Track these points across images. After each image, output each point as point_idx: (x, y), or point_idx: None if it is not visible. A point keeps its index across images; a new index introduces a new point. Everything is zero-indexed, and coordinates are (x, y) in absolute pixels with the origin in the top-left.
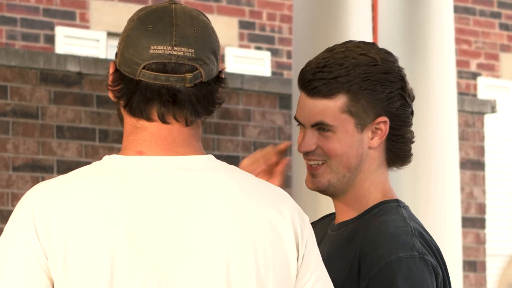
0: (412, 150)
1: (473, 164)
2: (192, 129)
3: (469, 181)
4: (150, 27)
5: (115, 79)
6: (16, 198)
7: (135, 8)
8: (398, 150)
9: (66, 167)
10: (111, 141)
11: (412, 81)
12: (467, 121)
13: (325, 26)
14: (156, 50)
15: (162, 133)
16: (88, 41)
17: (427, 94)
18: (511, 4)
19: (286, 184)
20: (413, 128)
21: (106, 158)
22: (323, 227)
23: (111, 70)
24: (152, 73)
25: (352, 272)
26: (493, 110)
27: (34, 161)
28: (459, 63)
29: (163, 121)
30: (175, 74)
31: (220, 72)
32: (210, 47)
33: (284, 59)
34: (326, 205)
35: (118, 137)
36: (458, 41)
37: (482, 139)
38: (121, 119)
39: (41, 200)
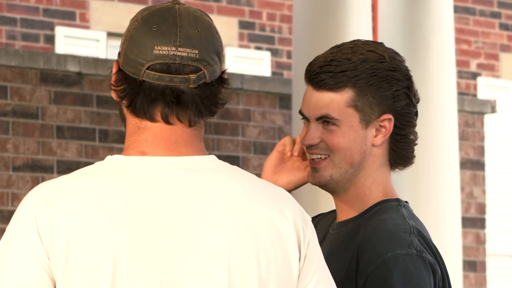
0: (415, 152)
1: (473, 164)
2: (195, 130)
3: (469, 181)
4: (154, 28)
5: (118, 79)
6: (16, 198)
7: (135, 8)
8: (401, 150)
9: (66, 167)
10: (111, 141)
11: None
12: (467, 121)
13: (325, 26)
14: (160, 51)
15: (164, 134)
16: (88, 41)
17: (427, 94)
18: (511, 4)
19: None
20: None
21: (109, 158)
22: (325, 226)
23: (114, 70)
24: (156, 73)
25: (350, 270)
26: (493, 110)
27: (34, 161)
28: (459, 63)
29: (167, 122)
30: (179, 75)
31: (222, 72)
32: (214, 48)
33: (284, 59)
34: (326, 204)
35: (118, 137)
36: (458, 41)
37: (482, 139)
38: (123, 119)
39: (43, 200)
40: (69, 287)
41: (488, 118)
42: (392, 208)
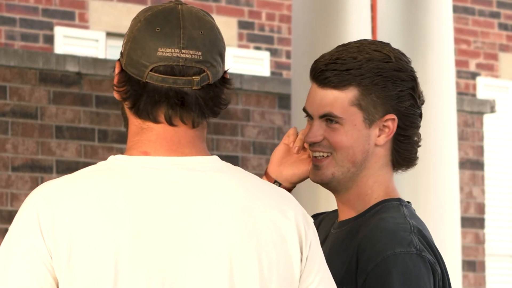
0: (418, 154)
1: (472, 164)
2: (198, 131)
3: (468, 181)
4: (158, 29)
5: (120, 79)
6: (15, 198)
7: (134, 8)
8: (404, 151)
9: (65, 167)
10: (110, 141)
11: None
12: (466, 121)
13: (324, 26)
14: (164, 53)
15: (167, 134)
16: (87, 41)
17: (426, 94)
18: (510, 4)
19: None
20: None
21: (111, 158)
22: (327, 225)
23: (116, 70)
24: (159, 75)
25: (350, 268)
26: (492, 110)
27: (34, 161)
28: (458, 63)
29: (170, 123)
30: (182, 77)
31: (224, 72)
32: (217, 49)
33: (283, 59)
34: (326, 202)
35: (117, 137)
36: (457, 41)
37: (481, 139)
38: (125, 119)
39: (46, 199)
40: (71, 287)
41: (487, 118)
42: (393, 208)
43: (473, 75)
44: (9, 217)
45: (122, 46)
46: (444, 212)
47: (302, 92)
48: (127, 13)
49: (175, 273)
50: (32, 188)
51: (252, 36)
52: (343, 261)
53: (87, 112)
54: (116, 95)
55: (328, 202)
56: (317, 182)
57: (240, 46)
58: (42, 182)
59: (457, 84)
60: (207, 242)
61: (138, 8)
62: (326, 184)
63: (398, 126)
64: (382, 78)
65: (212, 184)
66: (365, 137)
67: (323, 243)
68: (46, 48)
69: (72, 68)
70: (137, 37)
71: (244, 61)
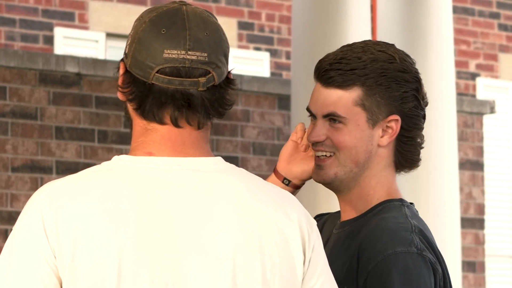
0: (420, 155)
1: (472, 165)
2: (202, 132)
3: (468, 181)
4: (163, 31)
5: (125, 80)
6: (15, 199)
7: (134, 9)
8: (407, 153)
9: (65, 167)
10: (110, 142)
11: None
12: (466, 121)
13: (324, 27)
14: (170, 54)
15: (172, 135)
16: (87, 42)
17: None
18: (510, 5)
19: None
20: None
21: (116, 158)
22: (330, 227)
23: (121, 71)
24: (165, 77)
25: (351, 268)
26: (492, 110)
27: (33, 162)
28: (458, 64)
29: (176, 125)
30: (188, 78)
31: (228, 73)
32: (222, 50)
33: (283, 60)
34: (326, 202)
35: (117, 138)
36: (457, 41)
37: (481, 139)
38: (128, 119)
39: (50, 199)
40: (75, 287)
41: (487, 119)
42: (395, 208)
43: (473, 76)
44: (9, 217)
45: (126, 46)
46: (444, 213)
47: (302, 92)
48: (127, 13)
49: (178, 274)
50: (32, 188)
51: (252, 36)
52: (344, 261)
53: (86, 113)
54: (120, 96)
55: (328, 202)
56: (319, 182)
57: (240, 46)
58: (42, 183)
59: (457, 85)
60: (211, 242)
61: (138, 9)
62: (328, 184)
63: (402, 127)
64: (386, 79)
65: (215, 185)
66: (368, 138)
67: (325, 243)
68: (46, 49)
69: (72, 68)
70: (142, 38)
71: (244, 61)
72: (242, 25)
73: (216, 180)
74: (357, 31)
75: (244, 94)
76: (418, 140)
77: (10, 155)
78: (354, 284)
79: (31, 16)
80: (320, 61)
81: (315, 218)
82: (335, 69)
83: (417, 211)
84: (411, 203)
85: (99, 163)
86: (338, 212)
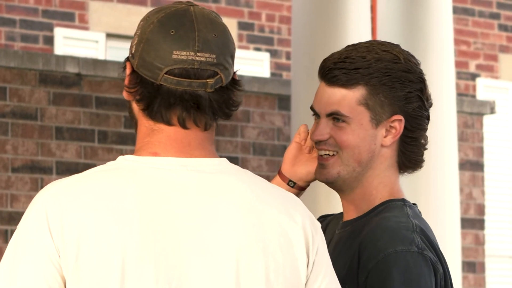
0: (424, 156)
1: (472, 165)
2: (208, 133)
3: (468, 182)
4: (172, 32)
5: (132, 81)
6: (15, 199)
7: (134, 9)
8: (410, 153)
9: (65, 168)
10: (110, 142)
11: None
12: (466, 122)
13: (324, 27)
14: (179, 56)
15: (178, 136)
16: (87, 42)
17: None
18: (510, 5)
19: None
20: None
21: (121, 158)
22: (333, 227)
23: (127, 71)
24: (174, 78)
25: (352, 267)
26: (492, 111)
27: (33, 162)
28: (458, 64)
29: (183, 126)
30: (197, 80)
31: (234, 73)
32: (229, 51)
33: (283, 60)
34: (326, 203)
35: (117, 138)
36: (457, 42)
37: (481, 140)
38: (133, 118)
39: (55, 198)
40: (79, 286)
41: (487, 119)
42: (397, 207)
43: (473, 76)
44: (9, 218)
45: (132, 46)
46: (444, 213)
47: (302, 93)
48: (127, 14)
49: (182, 274)
50: (32, 189)
51: (252, 37)
52: (346, 260)
53: (87, 113)
54: (126, 96)
55: (328, 202)
56: (322, 181)
57: (240, 47)
58: (42, 183)
59: (457, 85)
60: (214, 243)
61: (138, 9)
62: (331, 183)
63: (405, 128)
64: (390, 79)
65: (220, 186)
66: (371, 137)
67: (328, 244)
68: (46, 49)
69: (72, 69)
70: (150, 39)
71: (244, 62)
72: (242, 26)
73: (221, 181)
74: (357, 31)
75: (244, 95)
76: (422, 141)
77: (10, 156)
78: (355, 283)
79: (31, 17)
80: (325, 60)
81: (318, 219)
82: (339, 68)
83: (420, 212)
84: (414, 204)
85: (99, 164)
86: (341, 213)
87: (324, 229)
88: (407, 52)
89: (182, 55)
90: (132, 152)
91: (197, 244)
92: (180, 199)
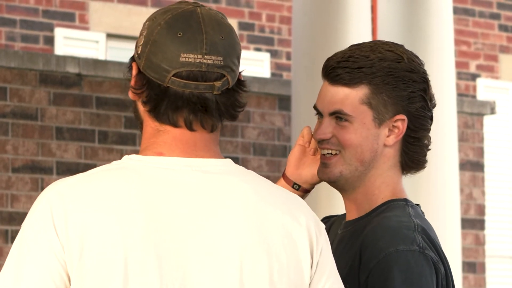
0: (427, 157)
1: (472, 165)
2: (214, 134)
3: (469, 182)
4: (180, 34)
5: (138, 82)
6: (15, 199)
7: (134, 9)
8: (413, 153)
9: (65, 168)
10: (111, 143)
11: None
12: (466, 122)
13: (325, 28)
14: (187, 58)
15: (184, 137)
16: (87, 43)
17: None
18: (511, 6)
19: None
20: None
21: (126, 158)
22: (337, 228)
23: (133, 72)
24: (182, 80)
25: (353, 266)
26: (492, 111)
27: (34, 163)
28: (458, 64)
29: (190, 128)
30: (204, 82)
31: (239, 73)
32: (236, 53)
33: (283, 61)
34: (326, 203)
35: (117, 139)
36: (457, 42)
37: (481, 140)
38: (138, 118)
39: (60, 196)
40: (82, 285)
41: (487, 119)
42: (399, 207)
43: (473, 77)
44: (9, 218)
45: (139, 47)
46: (444, 214)
47: (302, 93)
48: (127, 14)
49: (186, 274)
50: (33, 189)
51: (252, 37)
52: (347, 260)
53: (87, 113)
54: (131, 96)
55: (329, 202)
56: (324, 180)
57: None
58: (42, 183)
59: (457, 86)
60: (218, 243)
61: (138, 9)
62: (333, 183)
63: (408, 128)
64: (393, 78)
65: (224, 187)
66: (374, 136)
67: (331, 244)
68: (46, 49)
69: (72, 69)
70: (158, 40)
71: (244, 62)
72: (242, 26)
73: (225, 182)
74: (357, 32)
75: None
76: (425, 141)
77: (11, 156)
78: (356, 282)
79: (32, 17)
80: (328, 59)
81: (322, 220)
82: (342, 67)
83: (423, 213)
84: (417, 205)
85: (100, 164)
86: (345, 214)
87: (328, 230)
88: (411, 52)
89: (189, 57)
90: (132, 152)
91: (201, 244)
92: (184, 199)
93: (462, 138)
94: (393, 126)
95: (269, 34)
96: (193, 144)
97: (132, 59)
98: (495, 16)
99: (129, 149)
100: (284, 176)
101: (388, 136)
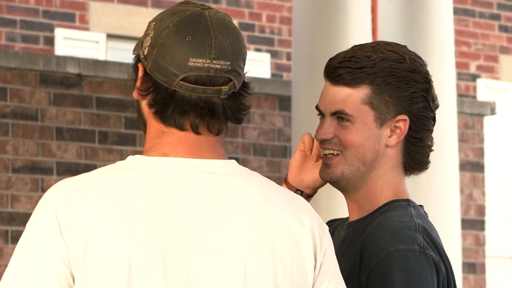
0: (429, 157)
1: (472, 166)
2: (219, 137)
3: (469, 182)
4: (189, 38)
5: (145, 83)
6: (15, 200)
7: (134, 10)
8: (415, 154)
9: (65, 168)
10: (111, 143)
11: None
12: (466, 123)
13: (325, 28)
14: (195, 63)
15: (189, 139)
16: (87, 43)
17: None
18: (511, 6)
19: None
20: None
21: (130, 158)
22: (340, 230)
23: (140, 74)
24: (189, 85)
25: (354, 266)
26: (492, 112)
27: (34, 163)
28: (458, 65)
29: (196, 132)
30: (212, 87)
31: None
32: (242, 56)
33: (283, 61)
34: (327, 203)
35: (118, 139)
36: (457, 43)
37: (481, 141)
38: (141, 118)
39: (64, 196)
40: (86, 285)
41: (487, 120)
42: (401, 207)
43: (474, 77)
44: (9, 218)
45: (145, 48)
46: (444, 214)
47: (303, 94)
48: (127, 14)
49: (190, 275)
50: (33, 189)
51: (253, 38)
52: (349, 260)
53: (87, 114)
54: (136, 96)
55: (329, 202)
56: (326, 180)
57: None
58: (42, 184)
59: (458, 86)
60: (222, 244)
61: (138, 10)
62: (335, 183)
63: (410, 128)
64: (395, 78)
65: (229, 188)
66: (376, 137)
67: (335, 246)
68: (47, 50)
69: (72, 69)
70: (166, 43)
71: None
72: (242, 26)
73: (230, 183)
74: (357, 32)
75: None
76: (428, 142)
77: (11, 156)
78: (357, 282)
79: (32, 17)
80: (330, 60)
81: (327, 223)
82: (344, 67)
83: (426, 214)
84: (421, 206)
85: (100, 164)
86: (348, 217)
87: (332, 233)
88: (413, 52)
89: (198, 62)
90: (132, 153)
91: (205, 245)
92: (188, 200)
93: (462, 139)
94: (395, 126)
95: (269, 35)
96: (198, 145)
97: (138, 59)
98: (495, 17)
99: (129, 149)
100: (286, 182)
101: (390, 137)
